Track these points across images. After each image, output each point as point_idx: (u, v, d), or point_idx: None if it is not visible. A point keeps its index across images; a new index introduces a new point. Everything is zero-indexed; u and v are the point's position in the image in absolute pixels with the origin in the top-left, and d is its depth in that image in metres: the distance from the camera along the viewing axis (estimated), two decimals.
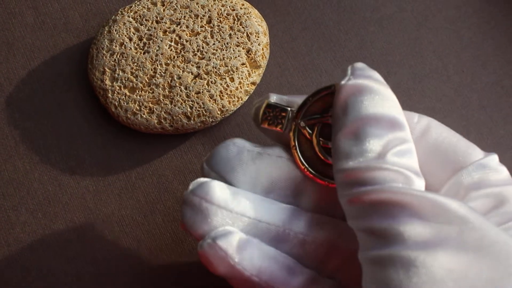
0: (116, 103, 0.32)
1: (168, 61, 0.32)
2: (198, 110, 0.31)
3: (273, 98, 0.25)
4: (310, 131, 0.25)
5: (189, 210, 0.24)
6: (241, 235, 0.24)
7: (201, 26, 0.32)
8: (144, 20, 0.32)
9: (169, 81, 0.31)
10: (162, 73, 0.31)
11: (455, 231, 0.20)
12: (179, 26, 0.32)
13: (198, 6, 0.32)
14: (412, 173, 0.21)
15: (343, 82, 0.23)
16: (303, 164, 0.25)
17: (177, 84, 0.31)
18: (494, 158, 0.25)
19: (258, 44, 0.32)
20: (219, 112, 0.31)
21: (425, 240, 0.19)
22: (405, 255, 0.19)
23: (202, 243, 0.23)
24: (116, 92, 0.32)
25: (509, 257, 0.19)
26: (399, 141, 0.22)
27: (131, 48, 0.32)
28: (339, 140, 0.22)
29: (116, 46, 0.32)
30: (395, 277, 0.19)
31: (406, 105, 0.34)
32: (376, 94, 0.23)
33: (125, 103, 0.32)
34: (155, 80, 0.31)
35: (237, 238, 0.23)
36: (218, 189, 0.24)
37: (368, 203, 0.21)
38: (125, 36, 0.32)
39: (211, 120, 0.31)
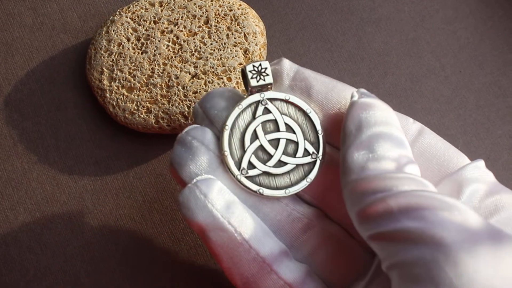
0: (114, 103, 0.32)
1: (166, 61, 0.32)
2: None
3: (286, 63, 0.26)
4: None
5: (179, 148, 0.25)
6: (222, 185, 0.24)
7: (199, 27, 0.32)
8: (142, 20, 0.32)
9: (167, 81, 0.32)
10: (159, 73, 0.32)
11: (487, 237, 0.20)
12: (176, 27, 0.32)
13: (196, 7, 0.32)
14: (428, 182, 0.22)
15: (354, 99, 0.24)
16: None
17: (175, 84, 0.31)
18: (482, 163, 0.25)
19: (256, 44, 0.32)
20: None
21: (463, 240, 0.20)
22: (450, 254, 0.19)
23: (183, 190, 0.24)
24: (114, 92, 0.32)
25: None
26: (408, 159, 0.23)
27: (129, 48, 0.32)
28: (353, 153, 0.23)
29: (114, 47, 0.32)
30: (443, 276, 0.19)
31: (403, 106, 0.34)
32: (386, 112, 0.24)
33: (123, 103, 0.32)
34: (153, 80, 0.32)
35: (218, 185, 0.24)
36: (210, 133, 0.25)
37: (396, 207, 0.21)
38: (123, 36, 0.32)
39: None
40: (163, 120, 0.31)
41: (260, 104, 0.26)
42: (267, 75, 0.25)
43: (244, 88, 0.32)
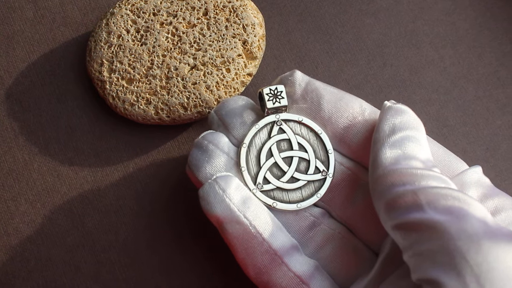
0: (114, 95, 0.32)
1: (165, 53, 0.32)
2: (195, 101, 0.31)
3: (298, 74, 0.28)
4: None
5: (196, 151, 0.27)
6: (239, 182, 0.26)
7: (198, 18, 0.32)
8: (141, 12, 0.33)
9: (166, 72, 0.32)
10: (159, 64, 0.32)
11: (503, 232, 0.22)
12: (176, 18, 0.32)
13: None
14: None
15: (390, 104, 0.26)
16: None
17: (174, 75, 0.32)
18: (480, 169, 0.27)
19: (254, 36, 0.32)
20: (215, 103, 0.32)
21: (484, 232, 0.21)
22: (472, 244, 0.21)
23: (203, 185, 0.26)
24: (113, 84, 0.32)
25: None
26: (432, 163, 0.25)
27: (128, 40, 0.32)
28: (386, 150, 0.25)
29: (113, 38, 0.32)
30: (464, 264, 0.20)
31: (402, 97, 0.34)
32: (417, 120, 0.26)
33: (123, 94, 0.32)
34: (152, 71, 0.32)
35: (236, 181, 0.26)
36: (224, 138, 0.27)
37: (424, 200, 0.22)
38: (123, 28, 0.33)
39: (207, 110, 0.32)
40: (163, 111, 0.32)
41: (275, 124, 0.28)
42: (282, 98, 0.27)
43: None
